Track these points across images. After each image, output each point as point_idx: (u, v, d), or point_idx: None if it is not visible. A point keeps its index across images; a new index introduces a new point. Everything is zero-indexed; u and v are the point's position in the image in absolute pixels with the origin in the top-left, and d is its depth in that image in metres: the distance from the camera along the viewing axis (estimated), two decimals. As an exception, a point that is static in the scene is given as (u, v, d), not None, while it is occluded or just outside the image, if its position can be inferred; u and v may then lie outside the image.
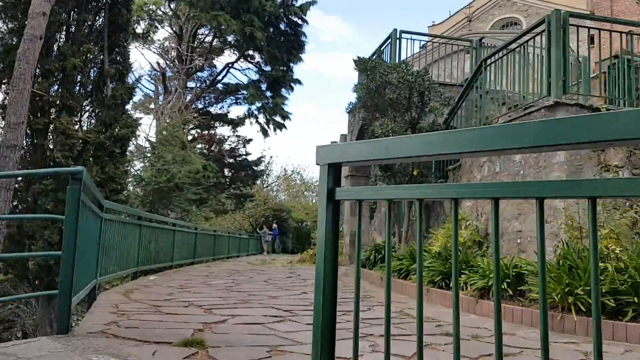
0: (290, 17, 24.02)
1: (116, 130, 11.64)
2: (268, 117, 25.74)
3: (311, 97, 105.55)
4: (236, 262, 16.90)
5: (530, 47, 7.48)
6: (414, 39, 11.79)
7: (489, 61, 7.96)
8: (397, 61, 10.87)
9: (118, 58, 12.19)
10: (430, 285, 6.60)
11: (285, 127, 25.97)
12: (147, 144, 22.49)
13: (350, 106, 13.14)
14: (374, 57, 11.07)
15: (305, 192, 41.81)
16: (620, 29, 7.93)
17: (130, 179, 16.57)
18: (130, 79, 15.36)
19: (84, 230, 4.24)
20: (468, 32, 24.04)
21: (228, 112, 28.89)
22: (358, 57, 9.01)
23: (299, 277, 10.03)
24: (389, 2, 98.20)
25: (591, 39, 7.94)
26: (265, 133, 26.14)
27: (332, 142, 33.31)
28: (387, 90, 8.42)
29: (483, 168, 7.42)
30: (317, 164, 2.11)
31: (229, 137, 29.03)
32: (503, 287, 5.58)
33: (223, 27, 21.02)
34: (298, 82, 25.93)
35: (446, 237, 6.95)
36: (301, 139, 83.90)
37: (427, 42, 14.54)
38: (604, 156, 6.13)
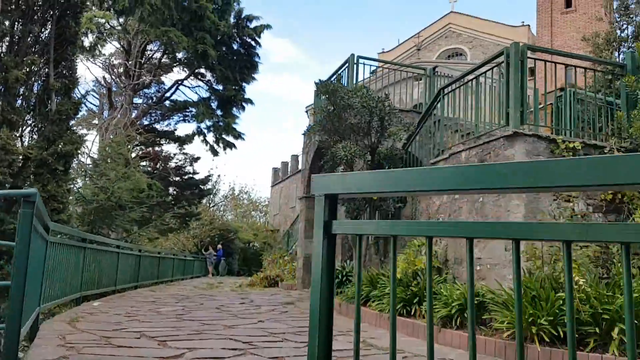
0: (243, 37, 23.91)
1: (60, 146, 11.04)
2: (218, 135, 25.34)
3: (259, 116, 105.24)
4: (181, 286, 16.32)
5: (486, 78, 7.68)
6: (369, 65, 11.93)
7: (447, 90, 8.11)
8: (354, 85, 10.95)
9: (64, 72, 11.63)
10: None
11: (235, 146, 25.67)
12: (89, 161, 21.59)
13: (307, 128, 13.09)
14: (333, 80, 11.09)
15: (252, 212, 41.31)
16: (565, 62, 8.24)
17: (71, 198, 15.79)
18: (77, 93, 14.73)
19: (32, 256, 3.90)
20: (417, 60, 24.71)
21: (175, 130, 28.28)
22: (320, 80, 8.98)
23: (252, 303, 9.75)
24: (338, 28, 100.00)
25: (531, 71, 8.23)
26: (214, 152, 25.71)
27: (282, 163, 33.16)
28: (348, 114, 8.42)
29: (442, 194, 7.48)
30: (312, 194, 1.99)
31: (175, 154, 28.35)
32: (465, 315, 5.57)
33: (174, 43, 20.64)
34: (250, 101, 25.76)
35: (406, 262, 6.92)
36: (248, 158, 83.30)
37: (378, 67, 14.77)
38: (560, 186, 6.29)
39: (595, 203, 6.23)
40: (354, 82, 11.23)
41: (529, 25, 28.50)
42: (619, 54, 10.07)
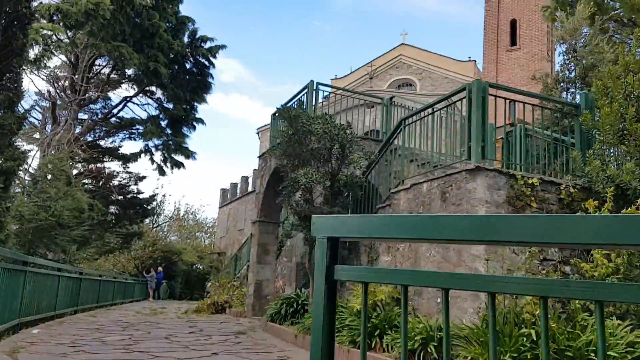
0: (197, 57, 23.63)
1: (0, 162, 10.42)
2: (167, 154, 24.74)
3: (207, 136, 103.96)
4: (123, 311, 15.61)
5: (447, 111, 7.85)
6: (328, 91, 11.99)
7: (408, 120, 8.22)
8: (313, 111, 10.96)
9: (9, 84, 11.05)
10: (351, 345, 6.41)
11: (183, 166, 25.11)
12: (28, 177, 20.51)
13: (267, 151, 12.97)
14: (293, 104, 11.06)
15: (198, 234, 40.37)
16: (523, 100, 8.51)
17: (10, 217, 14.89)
18: (20, 107, 14.01)
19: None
20: (369, 88, 25.14)
21: (120, 147, 27.40)
22: (281, 105, 8.90)
23: (202, 332, 9.39)
24: (287, 50, 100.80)
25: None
26: (161, 171, 25.05)
27: (231, 184, 32.58)
28: (310, 140, 8.37)
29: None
30: (313, 236, 1.89)
31: (119, 172, 27.41)
32: (429, 350, 5.53)
33: (125, 59, 20.10)
34: (201, 121, 25.38)
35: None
36: (195, 178, 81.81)
37: (331, 94, 14.88)
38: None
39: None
40: (313, 107, 11.25)
41: (475, 61, 29.66)
42: (567, 94, 10.55)
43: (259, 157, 13.91)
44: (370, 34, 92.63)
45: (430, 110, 8.06)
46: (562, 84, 10.82)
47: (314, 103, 11.32)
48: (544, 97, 8.30)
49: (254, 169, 30.02)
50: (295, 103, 10.77)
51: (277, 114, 13.55)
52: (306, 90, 11.53)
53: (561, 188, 6.63)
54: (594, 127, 6.76)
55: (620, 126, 6.55)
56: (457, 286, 1.31)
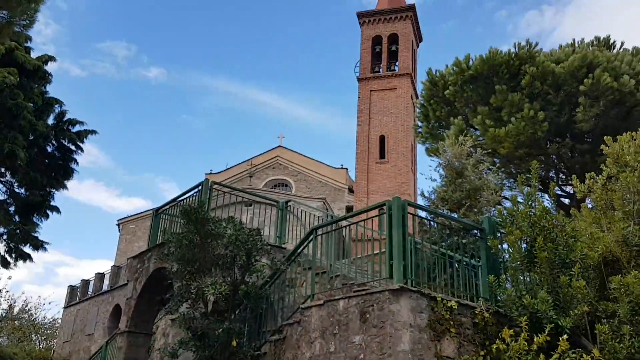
0: (62, 140, 21.75)
1: None
2: (12, 245, 21.63)
3: (58, 224, 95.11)
4: None
5: (365, 225, 7.73)
6: (224, 191, 11.45)
7: (319, 231, 7.95)
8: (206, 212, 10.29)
9: None
10: None
11: (31, 258, 21.98)
12: None
13: (143, 251, 11.78)
14: (182, 202, 10.33)
15: (33, 336, 35.11)
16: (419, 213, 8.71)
17: None
18: None
19: None
20: (248, 186, 24.94)
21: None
22: (188, 206, 8.13)
23: None
24: (155, 142, 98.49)
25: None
26: (4, 263, 21.72)
27: (82, 280, 29.23)
28: (216, 245, 7.71)
29: (314, 345, 6.95)
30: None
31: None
32: None
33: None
34: (56, 209, 22.85)
35: None
36: (41, 271, 73.06)
37: (223, 192, 14.26)
38: (440, 346, 6.25)
39: None
40: (207, 208, 10.58)
41: (346, 169, 31.15)
42: (452, 213, 11.11)
43: (134, 257, 12.61)
44: (243, 132, 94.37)
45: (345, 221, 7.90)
46: (447, 204, 11.43)
47: (207, 202, 10.65)
48: (452, 218, 8.58)
49: (113, 266, 27.43)
50: (192, 201, 10.05)
51: (159, 212, 12.62)
52: (200, 188, 10.88)
53: (476, 312, 6.64)
54: (504, 252, 7.01)
55: (527, 253, 6.87)
56: None
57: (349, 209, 27.58)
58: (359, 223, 7.70)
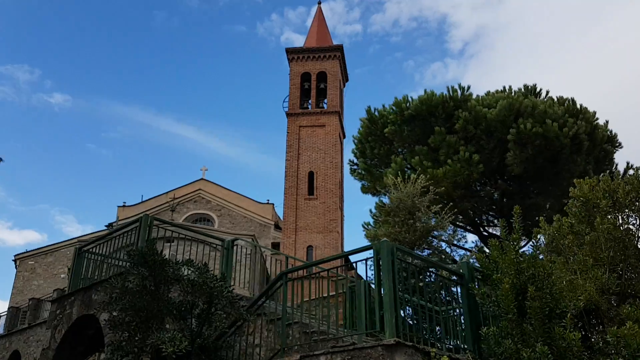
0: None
1: None
2: None
3: None
4: None
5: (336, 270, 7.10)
6: (164, 227, 10.38)
7: (291, 275, 7.21)
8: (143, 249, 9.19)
9: None
10: None
11: None
12: None
13: (62, 295, 10.31)
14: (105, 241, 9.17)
15: None
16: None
17: None
18: None
19: None
20: (170, 221, 23.39)
21: None
22: (138, 248, 7.09)
23: None
24: (57, 170, 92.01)
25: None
26: None
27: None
28: (168, 290, 6.72)
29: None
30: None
31: None
32: None
33: None
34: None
35: None
36: None
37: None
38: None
39: None
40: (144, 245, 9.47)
41: (273, 204, 30.36)
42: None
43: (53, 301, 11.06)
44: (159, 165, 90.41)
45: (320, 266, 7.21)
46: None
47: (146, 239, 9.54)
48: (436, 264, 8.15)
49: (10, 307, 24.48)
50: (133, 240, 8.95)
51: (84, 250, 11.20)
52: (139, 225, 9.74)
53: (467, 367, 6.18)
54: (491, 301, 6.64)
55: (517, 303, 6.55)
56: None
57: (276, 245, 26.71)
58: (331, 270, 7.07)
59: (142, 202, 29.76)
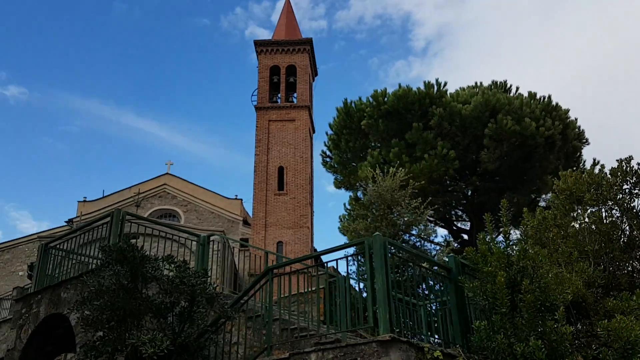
0: None
1: None
2: None
3: None
4: None
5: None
6: (136, 223, 9.96)
7: (276, 271, 6.96)
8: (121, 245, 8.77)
9: None
10: None
11: None
12: None
13: (30, 292, 9.77)
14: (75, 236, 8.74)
15: None
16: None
17: None
18: None
19: None
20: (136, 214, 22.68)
21: None
22: (115, 244, 6.70)
23: None
24: (9, 164, 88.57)
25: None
26: None
27: None
28: (147, 288, 6.38)
29: (279, 409, 5.88)
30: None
31: None
32: None
33: None
34: None
35: None
36: None
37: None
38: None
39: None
40: (119, 241, 9.04)
41: (241, 200, 29.89)
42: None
43: (17, 299, 10.49)
44: (120, 159, 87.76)
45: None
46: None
47: (119, 235, 9.13)
48: (427, 259, 8.02)
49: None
50: (103, 235, 8.53)
51: (50, 246, 10.65)
52: (111, 220, 9.31)
53: (460, 361, 6.08)
54: (482, 294, 6.54)
55: (510, 297, 6.47)
56: None
57: (245, 241, 26.27)
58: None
59: (104, 197, 28.82)
